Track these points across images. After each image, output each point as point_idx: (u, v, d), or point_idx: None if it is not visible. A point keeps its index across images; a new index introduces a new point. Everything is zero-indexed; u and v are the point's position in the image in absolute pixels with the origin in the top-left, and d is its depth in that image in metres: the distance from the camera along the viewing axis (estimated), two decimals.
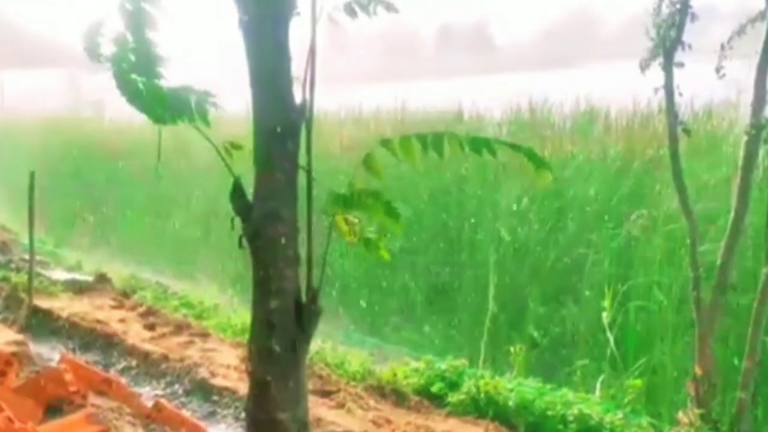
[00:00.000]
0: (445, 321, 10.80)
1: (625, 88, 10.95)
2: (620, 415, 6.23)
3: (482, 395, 6.14)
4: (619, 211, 9.64)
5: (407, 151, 3.88)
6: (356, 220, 4.02)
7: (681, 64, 6.39)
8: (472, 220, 11.18)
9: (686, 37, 6.36)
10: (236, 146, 4.20)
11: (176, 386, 6.98)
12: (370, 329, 11.14)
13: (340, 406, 6.15)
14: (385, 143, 3.90)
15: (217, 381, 6.85)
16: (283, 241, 3.80)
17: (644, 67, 6.38)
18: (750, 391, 6.43)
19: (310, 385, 6.29)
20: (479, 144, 3.84)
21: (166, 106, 3.74)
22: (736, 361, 6.99)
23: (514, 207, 10.70)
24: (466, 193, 11.55)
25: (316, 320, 3.96)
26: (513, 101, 13.56)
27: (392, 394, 6.43)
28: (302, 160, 3.72)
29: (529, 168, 3.82)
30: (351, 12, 4.06)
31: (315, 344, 7.45)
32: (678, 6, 6.31)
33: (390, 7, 4.06)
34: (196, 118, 3.73)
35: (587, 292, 9.34)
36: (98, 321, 8.53)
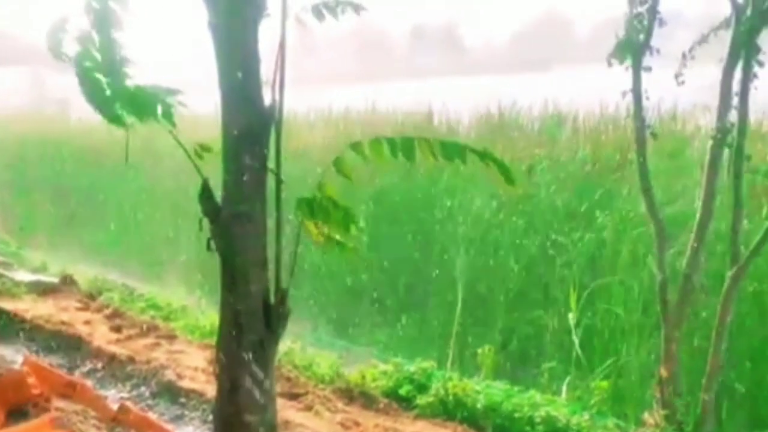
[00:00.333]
0: (414, 323, 10.81)
1: (593, 91, 11.07)
2: (587, 416, 6.27)
3: (450, 397, 6.15)
4: (586, 214, 9.71)
5: (377, 154, 3.89)
6: (323, 224, 4.02)
7: (649, 69, 6.45)
8: (443, 222, 11.21)
9: (655, 42, 6.43)
10: (206, 148, 4.17)
11: (143, 389, 6.90)
12: (339, 331, 11.13)
13: (308, 408, 6.12)
14: (355, 146, 3.90)
15: (185, 383, 6.79)
16: (251, 242, 3.79)
17: (609, 63, 6.44)
18: (714, 393, 6.51)
19: (278, 388, 6.25)
20: (450, 150, 3.85)
21: (131, 106, 3.71)
22: (701, 363, 7.06)
23: (484, 209, 10.74)
24: (436, 195, 11.58)
25: (285, 321, 3.95)
26: (482, 104, 13.61)
27: (361, 397, 6.42)
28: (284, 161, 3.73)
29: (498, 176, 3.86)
30: (319, 14, 4.06)
31: (284, 345, 7.43)
32: (647, 11, 6.37)
33: (357, 9, 4.07)
34: (160, 118, 3.70)
35: (555, 294, 9.40)
36: (63, 323, 8.41)
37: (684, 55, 6.51)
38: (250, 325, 3.85)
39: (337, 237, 4.11)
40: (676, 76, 6.53)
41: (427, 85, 19.25)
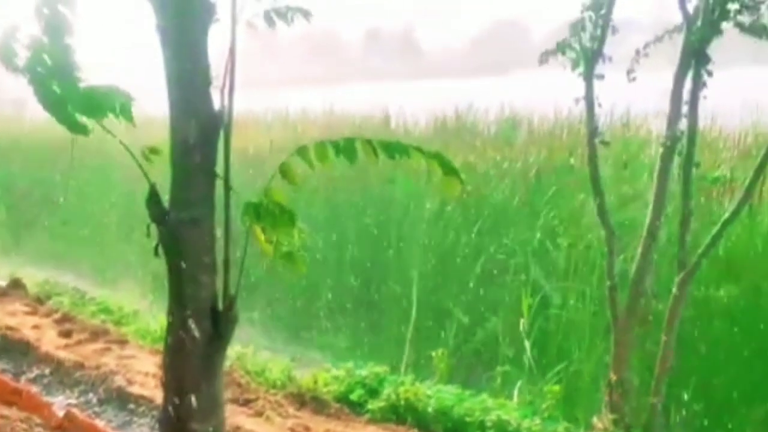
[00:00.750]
0: (369, 327, 10.80)
1: (549, 96, 11.17)
2: (537, 420, 6.31)
3: (402, 402, 6.15)
4: (539, 218, 9.78)
5: (322, 158, 3.87)
6: (270, 229, 3.99)
7: (601, 77, 6.51)
8: (398, 225, 11.21)
9: (610, 48, 6.49)
10: (155, 151, 4.12)
11: (90, 395, 6.79)
12: (293, 335, 11.08)
13: (259, 414, 6.08)
14: (301, 151, 3.89)
15: (134, 389, 6.70)
16: (199, 248, 3.75)
17: (542, 61, 6.50)
18: (662, 396, 6.59)
19: (229, 394, 6.23)
20: (393, 149, 3.84)
21: (85, 107, 3.65)
22: (653, 367, 7.14)
23: (440, 212, 10.77)
24: (392, 198, 11.58)
25: (233, 327, 3.91)
26: (439, 107, 13.68)
27: (312, 402, 6.39)
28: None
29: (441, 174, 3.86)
30: (269, 20, 4.04)
31: (236, 351, 7.37)
32: (599, 18, 6.42)
33: (307, 16, 4.06)
34: (119, 115, 3.65)
35: (510, 298, 9.44)
36: (10, 328, 8.24)
37: (637, 52, 6.58)
38: (197, 331, 3.81)
39: (285, 244, 4.08)
40: (628, 73, 6.57)
41: (385, 89, 19.29)
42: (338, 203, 11.98)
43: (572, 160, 10.17)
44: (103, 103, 3.63)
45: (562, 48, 6.39)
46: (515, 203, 10.31)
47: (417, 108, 14.24)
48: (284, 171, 3.94)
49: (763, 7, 6.06)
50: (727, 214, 6.30)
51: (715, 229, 6.36)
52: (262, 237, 4.03)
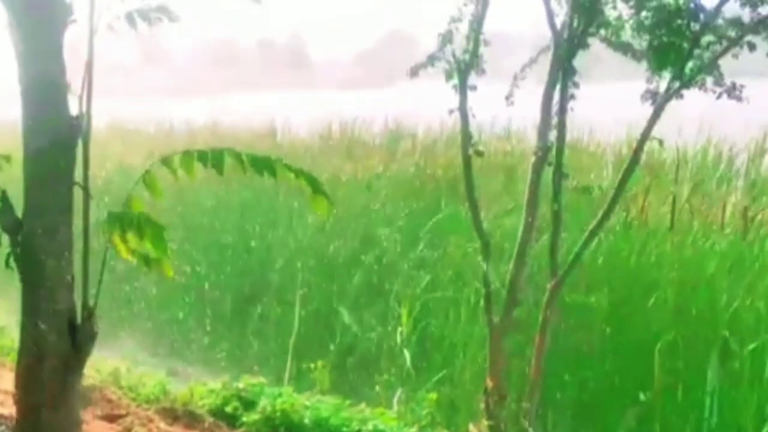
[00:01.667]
0: (252, 338, 10.67)
1: (434, 108, 11.32)
2: (415, 429, 6.33)
3: (278, 413, 6.07)
4: (421, 228, 9.88)
5: (188, 168, 3.81)
6: (134, 239, 3.89)
7: (474, 88, 6.61)
8: (281, 236, 11.14)
9: (498, 61, 6.62)
10: (5, 157, 3.98)
11: None
12: (174, 348, 10.84)
13: (127, 430, 5.86)
14: (166, 161, 3.81)
15: None
16: (55, 259, 3.62)
17: (413, 74, 6.59)
18: (536, 402, 6.73)
19: (98, 410, 6.02)
20: (261, 164, 3.81)
21: None
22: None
23: (323, 224, 10.75)
24: (275, 209, 11.51)
25: (92, 341, 3.79)
26: (326, 118, 13.72)
27: (186, 416, 6.21)
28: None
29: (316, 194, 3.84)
30: (132, 21, 3.94)
31: (110, 366, 7.14)
32: (472, 32, 6.53)
33: (172, 18, 3.98)
34: None
35: (392, 308, 9.49)
36: None
37: (515, 77, 6.73)
38: (54, 346, 3.68)
39: (149, 253, 3.99)
40: (507, 98, 6.73)
41: (272, 100, 19.21)
42: (221, 212, 11.82)
43: (452, 171, 10.30)
44: None
45: (431, 60, 6.48)
46: (397, 213, 10.38)
47: (304, 119, 14.24)
48: (147, 181, 3.86)
49: (627, 25, 6.31)
50: (593, 224, 6.50)
51: (582, 238, 6.54)
52: (123, 247, 3.93)
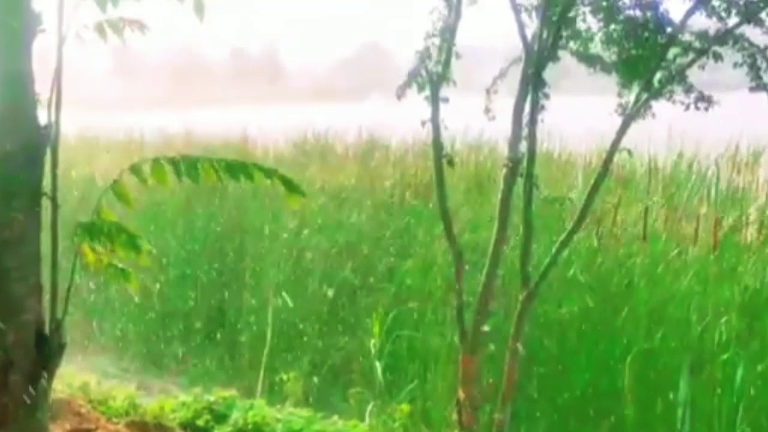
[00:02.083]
0: (224, 351, 10.59)
1: (407, 120, 11.36)
2: None
3: (249, 426, 6.05)
4: (393, 239, 9.90)
5: (159, 176, 3.78)
6: (103, 249, 3.87)
7: (446, 99, 6.62)
8: (254, 246, 11.09)
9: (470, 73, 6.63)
10: None
11: None
12: (147, 362, 10.73)
13: None
14: (135, 169, 3.79)
15: None
16: (23, 269, 3.59)
17: (400, 95, 6.58)
18: (508, 411, 6.72)
19: (66, 424, 5.95)
20: (235, 170, 3.80)
21: None
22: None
23: (297, 234, 10.73)
24: (247, 219, 11.46)
25: (61, 353, 3.76)
26: (300, 130, 13.72)
27: (155, 429, 6.18)
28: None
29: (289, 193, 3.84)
30: (101, 31, 3.91)
31: (79, 379, 7.07)
32: (445, 43, 6.55)
33: (142, 28, 3.96)
34: None
35: (365, 320, 9.47)
36: None
37: (488, 91, 6.77)
38: (21, 358, 3.64)
39: (117, 263, 3.97)
40: (486, 111, 6.77)
41: (246, 110, 19.16)
42: (193, 222, 11.75)
43: (425, 182, 10.34)
44: None
45: (414, 79, 6.47)
46: (369, 224, 10.38)
47: (277, 130, 14.23)
48: (116, 190, 3.83)
49: (596, 37, 6.37)
50: (563, 235, 6.53)
51: (554, 248, 6.57)
52: (92, 256, 3.91)
